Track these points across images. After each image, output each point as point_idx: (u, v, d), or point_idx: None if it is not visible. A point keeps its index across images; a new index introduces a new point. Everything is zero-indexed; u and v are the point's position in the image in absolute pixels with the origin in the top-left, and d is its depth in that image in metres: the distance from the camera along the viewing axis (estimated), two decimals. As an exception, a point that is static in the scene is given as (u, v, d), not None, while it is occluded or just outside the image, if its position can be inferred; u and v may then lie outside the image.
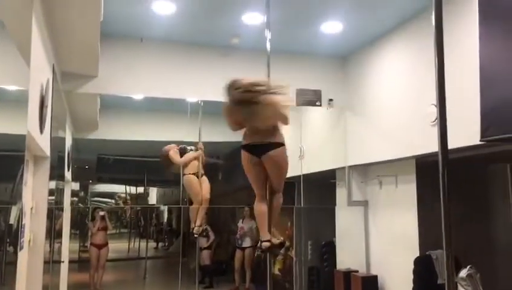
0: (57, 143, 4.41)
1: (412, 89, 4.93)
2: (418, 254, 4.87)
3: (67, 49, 4.23)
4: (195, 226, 5.12)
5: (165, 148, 5.27)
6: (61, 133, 5.02)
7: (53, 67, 3.97)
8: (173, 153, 5.21)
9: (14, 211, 2.65)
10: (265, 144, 3.00)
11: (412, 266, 4.80)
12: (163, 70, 5.54)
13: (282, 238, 3.42)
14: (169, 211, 15.13)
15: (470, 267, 4.27)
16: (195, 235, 5.47)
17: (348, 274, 5.79)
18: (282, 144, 3.04)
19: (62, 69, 4.75)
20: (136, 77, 5.45)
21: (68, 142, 6.25)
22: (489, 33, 3.06)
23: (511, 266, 4.83)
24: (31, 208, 3.60)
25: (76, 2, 3.39)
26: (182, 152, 5.27)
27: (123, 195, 14.20)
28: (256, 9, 4.71)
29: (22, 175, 2.77)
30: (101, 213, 9.31)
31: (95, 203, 13.08)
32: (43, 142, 3.47)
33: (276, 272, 8.09)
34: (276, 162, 3.04)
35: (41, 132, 3.29)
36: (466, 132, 3.36)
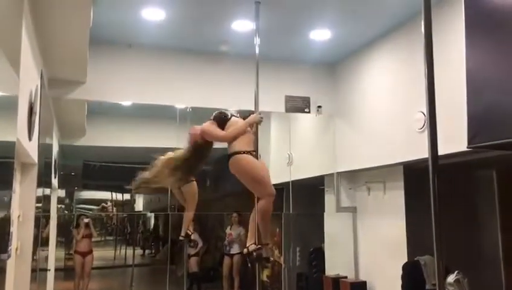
0: (44, 150, 4.36)
1: (400, 96, 4.99)
2: (406, 260, 4.90)
3: (55, 55, 4.20)
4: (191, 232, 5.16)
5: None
6: (48, 140, 4.97)
7: (41, 74, 3.93)
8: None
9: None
10: (227, 156, 3.29)
11: (401, 272, 4.83)
12: (151, 76, 5.53)
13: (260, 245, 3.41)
14: (156, 218, 15.02)
15: (458, 272, 4.32)
16: (180, 238, 5.50)
17: (336, 280, 5.80)
18: (232, 154, 3.23)
19: (50, 75, 4.71)
20: (125, 83, 5.42)
21: (55, 149, 6.19)
22: (475, 41, 3.11)
23: (498, 270, 4.89)
24: (18, 216, 3.55)
25: (66, 8, 3.37)
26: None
27: (110, 203, 14.06)
28: (246, 17, 4.73)
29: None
30: (86, 220, 9.20)
31: (80, 210, 12.92)
32: (31, 149, 3.43)
33: (265, 278, 8.08)
34: (234, 170, 3.25)
35: (29, 138, 3.25)
36: (453, 138, 3.41)
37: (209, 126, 3.41)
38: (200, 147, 3.50)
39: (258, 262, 3.37)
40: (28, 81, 3.16)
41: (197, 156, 3.55)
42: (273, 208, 3.27)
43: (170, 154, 3.80)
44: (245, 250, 3.38)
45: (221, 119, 3.42)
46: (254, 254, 3.28)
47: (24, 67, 2.90)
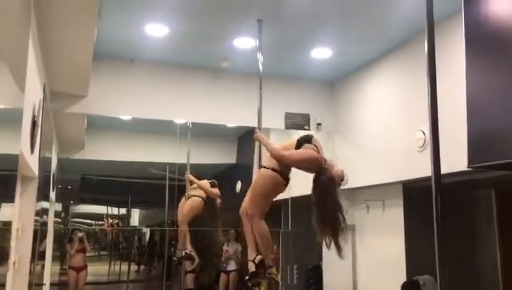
0: (44, 163, 4.35)
1: (400, 114, 5.02)
2: (405, 279, 4.88)
3: (58, 69, 4.22)
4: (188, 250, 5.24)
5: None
6: (48, 153, 4.97)
7: (44, 87, 3.95)
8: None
9: None
10: None
11: (399, 291, 4.81)
12: (153, 91, 5.56)
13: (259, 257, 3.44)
14: (152, 233, 14.91)
15: (457, 292, 4.30)
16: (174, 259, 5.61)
17: (334, 299, 5.76)
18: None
19: (51, 89, 4.73)
20: (125, 97, 5.45)
21: (54, 162, 6.17)
22: (475, 63, 3.16)
23: (497, 291, 4.88)
24: (17, 229, 3.53)
25: (70, 24, 3.40)
26: None
27: (110, 218, 13.98)
28: (248, 34, 4.78)
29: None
30: (80, 234, 9.09)
31: (75, 224, 12.81)
32: (33, 162, 3.43)
33: (261, 296, 8.00)
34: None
35: (31, 151, 3.25)
36: (453, 158, 3.43)
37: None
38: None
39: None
40: (32, 94, 3.17)
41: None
42: (271, 225, 3.33)
43: None
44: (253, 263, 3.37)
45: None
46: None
47: (29, 81, 2.92)
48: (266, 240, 3.36)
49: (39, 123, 3.46)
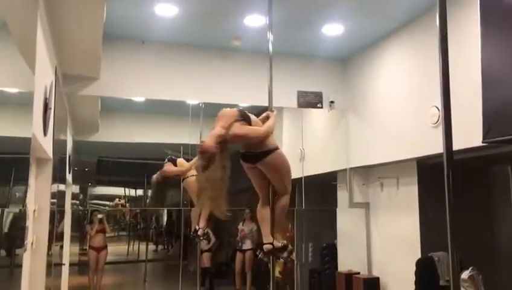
0: (59, 145, 4.41)
1: (413, 90, 4.94)
2: (419, 256, 4.87)
3: (69, 51, 4.23)
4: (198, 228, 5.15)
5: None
6: (62, 136, 5.02)
7: (55, 70, 3.97)
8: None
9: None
10: (257, 153, 3.06)
11: (414, 268, 4.80)
12: (164, 72, 5.55)
13: (285, 241, 3.40)
14: (169, 213, 15.12)
15: (472, 268, 4.27)
16: (192, 236, 5.56)
17: (349, 276, 5.79)
18: (272, 151, 3.07)
19: (64, 71, 4.76)
20: (138, 79, 5.45)
21: (69, 145, 6.25)
22: (491, 35, 3.07)
23: (513, 267, 4.84)
24: (34, 211, 3.60)
25: (79, 4, 3.40)
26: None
27: (123, 199, 14.18)
28: (258, 12, 4.72)
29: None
30: (99, 216, 9.30)
31: (94, 205, 13.04)
32: (47, 145, 3.47)
33: (277, 274, 8.08)
34: (272, 167, 3.10)
35: (44, 134, 3.29)
36: (468, 133, 3.37)
37: (243, 127, 3.00)
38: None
39: (275, 256, 3.36)
40: (43, 77, 3.19)
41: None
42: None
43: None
44: (268, 246, 3.27)
45: (247, 117, 3.09)
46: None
47: (39, 64, 2.93)
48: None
49: (51, 105, 3.48)
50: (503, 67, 3.00)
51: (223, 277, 9.85)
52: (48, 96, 3.34)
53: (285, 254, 3.39)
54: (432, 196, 4.68)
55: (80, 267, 9.05)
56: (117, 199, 12.33)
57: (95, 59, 4.57)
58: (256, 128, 3.09)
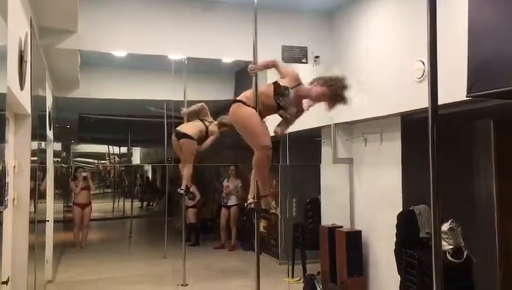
0: (37, 101, 4.30)
1: (399, 45, 4.88)
2: (401, 209, 4.96)
3: (44, 2, 4.06)
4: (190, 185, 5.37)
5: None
6: (41, 91, 4.89)
7: (30, 21, 3.81)
8: None
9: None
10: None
11: (396, 221, 4.90)
12: (145, 25, 5.36)
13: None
14: (154, 170, 15.14)
15: (452, 221, 4.38)
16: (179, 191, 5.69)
17: (332, 230, 5.89)
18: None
19: (40, 24, 4.58)
20: (118, 32, 5.26)
21: (49, 101, 6.11)
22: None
23: (491, 219, 4.96)
24: (14, 167, 3.54)
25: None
26: None
27: (110, 155, 14.12)
28: (242, -38, 4.55)
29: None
30: (83, 174, 9.29)
31: (78, 163, 12.98)
32: (24, 99, 3.37)
33: (262, 229, 8.23)
34: (233, 121, 3.27)
35: (21, 88, 3.19)
36: (452, 88, 3.37)
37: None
38: None
39: (256, 213, 3.41)
40: (17, 28, 3.06)
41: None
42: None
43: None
44: (246, 204, 3.39)
45: None
46: (251, 205, 3.30)
47: (12, 14, 2.80)
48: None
49: (27, 58, 3.36)
50: (490, 21, 2.96)
51: (208, 232, 10.01)
52: (23, 49, 3.22)
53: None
54: (414, 151, 4.71)
55: (65, 223, 9.09)
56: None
57: (72, 10, 4.38)
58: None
